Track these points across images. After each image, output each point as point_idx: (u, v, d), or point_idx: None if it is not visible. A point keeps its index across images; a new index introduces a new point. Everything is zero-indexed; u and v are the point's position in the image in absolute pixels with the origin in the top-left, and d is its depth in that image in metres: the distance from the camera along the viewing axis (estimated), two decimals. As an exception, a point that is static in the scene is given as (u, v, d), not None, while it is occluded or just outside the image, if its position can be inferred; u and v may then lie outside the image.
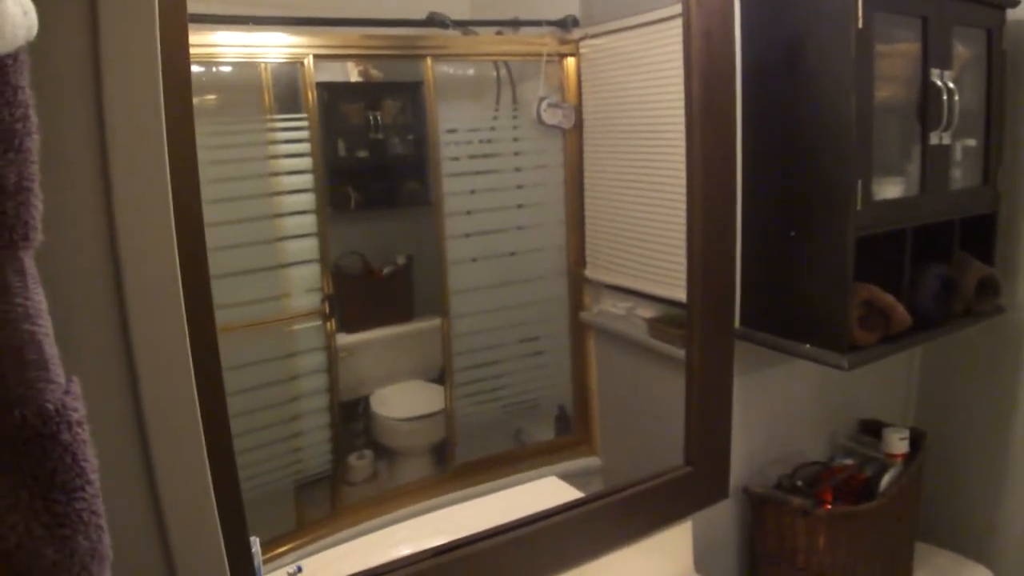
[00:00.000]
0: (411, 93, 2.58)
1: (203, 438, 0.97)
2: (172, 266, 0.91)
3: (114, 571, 0.70)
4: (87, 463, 0.66)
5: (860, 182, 1.62)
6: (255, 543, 1.13)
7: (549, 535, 1.49)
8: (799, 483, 2.00)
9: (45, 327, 0.64)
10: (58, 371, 0.66)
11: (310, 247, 2.20)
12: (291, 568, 1.43)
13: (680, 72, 1.58)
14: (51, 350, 0.65)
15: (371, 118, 2.56)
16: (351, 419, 2.49)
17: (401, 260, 2.70)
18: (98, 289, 0.86)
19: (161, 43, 0.88)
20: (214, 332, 1.02)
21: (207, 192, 0.99)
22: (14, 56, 0.62)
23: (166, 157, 0.89)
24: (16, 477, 0.62)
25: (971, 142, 1.94)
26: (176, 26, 0.92)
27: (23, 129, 0.62)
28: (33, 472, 0.63)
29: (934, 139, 1.77)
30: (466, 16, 2.42)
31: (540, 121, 2.37)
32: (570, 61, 2.37)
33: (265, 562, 1.17)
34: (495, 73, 2.53)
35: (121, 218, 0.86)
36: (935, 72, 1.75)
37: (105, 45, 0.83)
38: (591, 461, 2.48)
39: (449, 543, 1.39)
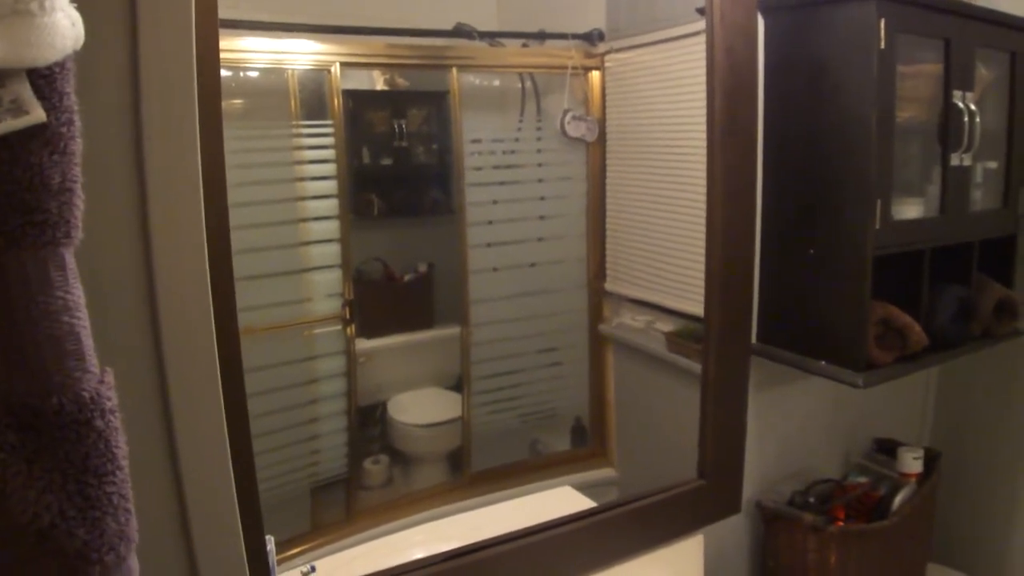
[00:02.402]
0: (436, 103, 2.61)
1: (226, 431, 0.99)
2: (202, 267, 0.94)
3: (138, 555, 0.73)
4: (118, 449, 0.69)
5: (879, 201, 1.62)
6: (270, 542, 1.15)
7: (560, 543, 1.50)
8: (812, 500, 2.00)
9: (83, 320, 0.67)
10: (94, 361, 0.69)
11: (332, 252, 2.23)
12: (305, 568, 1.45)
13: (703, 88, 1.60)
14: (88, 341, 0.68)
15: (396, 126, 2.59)
16: (368, 424, 2.51)
17: (422, 268, 2.72)
18: (131, 286, 0.89)
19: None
20: (237, 333, 1.05)
21: (232, 196, 1.02)
22: (61, 64, 0.65)
23: (199, 162, 0.92)
24: (52, 460, 0.65)
25: (992, 164, 1.94)
26: (207, 33, 0.95)
27: (68, 133, 0.65)
28: (68, 456, 0.66)
29: (955, 160, 1.78)
30: (493, 28, 2.45)
31: (564, 133, 2.39)
32: (595, 74, 2.39)
33: (279, 563, 1.19)
34: (520, 85, 2.55)
35: (154, 218, 0.89)
36: (957, 94, 1.75)
37: (143, 53, 0.86)
38: (607, 473, 2.49)
39: (461, 548, 1.40)
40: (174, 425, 0.94)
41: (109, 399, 0.69)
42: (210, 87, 0.95)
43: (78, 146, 0.67)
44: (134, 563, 0.72)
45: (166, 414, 0.93)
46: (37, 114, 0.62)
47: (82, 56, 0.68)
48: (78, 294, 0.67)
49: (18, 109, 0.61)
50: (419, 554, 1.39)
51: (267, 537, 1.14)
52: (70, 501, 0.65)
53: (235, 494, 1.02)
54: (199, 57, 0.92)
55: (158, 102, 0.88)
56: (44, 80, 0.63)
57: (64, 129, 0.65)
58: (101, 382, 0.69)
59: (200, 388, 0.96)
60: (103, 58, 0.84)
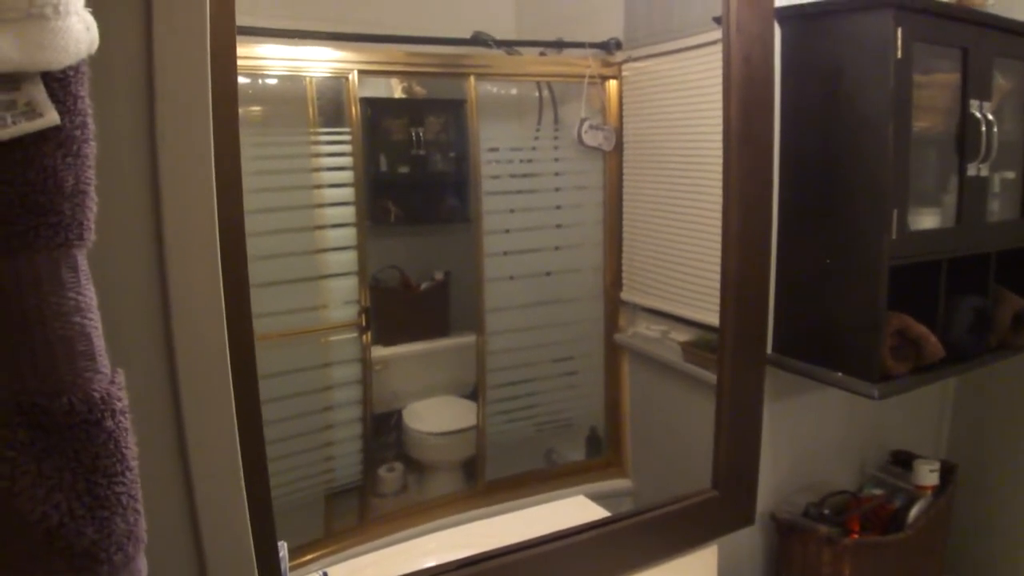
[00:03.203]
0: (454, 111, 2.62)
1: (238, 434, 1.00)
2: (215, 271, 0.95)
3: (147, 556, 0.73)
4: (128, 450, 0.70)
5: (896, 212, 1.61)
6: (283, 547, 1.16)
7: (574, 553, 1.50)
8: (826, 512, 1.98)
9: (94, 320, 0.68)
10: (105, 362, 0.69)
11: (349, 259, 2.23)
12: (317, 574, 1.45)
13: (720, 97, 1.59)
14: (99, 342, 0.69)
15: (413, 134, 2.59)
16: (383, 431, 2.51)
17: (439, 276, 2.73)
18: (144, 288, 0.90)
19: (210, 55, 0.92)
20: (251, 338, 1.05)
21: (249, 202, 1.03)
22: (75, 68, 0.66)
23: (212, 166, 0.93)
24: (62, 460, 0.66)
25: (1010, 175, 1.92)
26: (224, 39, 0.96)
27: (81, 136, 0.66)
28: (78, 456, 0.66)
29: (972, 171, 1.77)
30: (510, 36, 2.46)
31: (581, 142, 2.39)
32: (612, 83, 2.39)
33: (291, 569, 1.19)
34: (537, 93, 2.56)
35: (168, 222, 0.90)
36: (974, 103, 1.74)
37: (158, 57, 0.87)
38: (621, 483, 2.48)
39: (474, 556, 1.40)
40: (185, 427, 0.95)
41: (120, 400, 0.69)
42: (226, 92, 0.96)
43: (92, 149, 0.68)
44: (142, 563, 0.72)
45: (177, 416, 0.94)
46: (51, 117, 0.63)
47: (96, 60, 0.69)
48: (90, 295, 0.68)
49: (32, 112, 0.62)
50: (432, 562, 1.39)
51: (280, 543, 1.15)
52: (79, 500, 0.66)
53: (246, 497, 1.02)
54: (215, 62, 0.92)
55: (172, 107, 0.89)
56: (58, 83, 0.64)
57: (78, 132, 0.66)
58: (112, 383, 0.69)
59: (211, 391, 0.97)
60: (117, 62, 0.84)
